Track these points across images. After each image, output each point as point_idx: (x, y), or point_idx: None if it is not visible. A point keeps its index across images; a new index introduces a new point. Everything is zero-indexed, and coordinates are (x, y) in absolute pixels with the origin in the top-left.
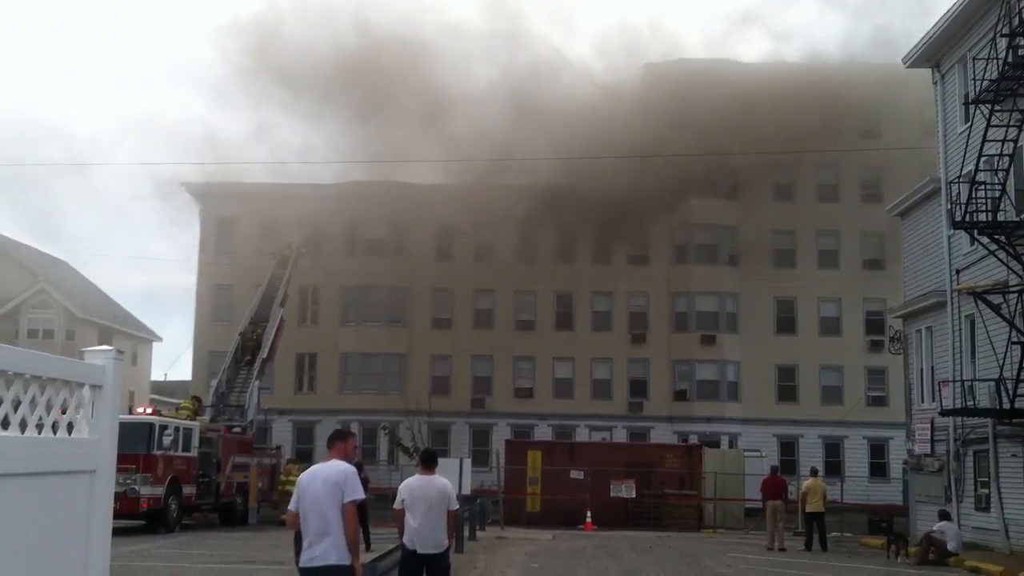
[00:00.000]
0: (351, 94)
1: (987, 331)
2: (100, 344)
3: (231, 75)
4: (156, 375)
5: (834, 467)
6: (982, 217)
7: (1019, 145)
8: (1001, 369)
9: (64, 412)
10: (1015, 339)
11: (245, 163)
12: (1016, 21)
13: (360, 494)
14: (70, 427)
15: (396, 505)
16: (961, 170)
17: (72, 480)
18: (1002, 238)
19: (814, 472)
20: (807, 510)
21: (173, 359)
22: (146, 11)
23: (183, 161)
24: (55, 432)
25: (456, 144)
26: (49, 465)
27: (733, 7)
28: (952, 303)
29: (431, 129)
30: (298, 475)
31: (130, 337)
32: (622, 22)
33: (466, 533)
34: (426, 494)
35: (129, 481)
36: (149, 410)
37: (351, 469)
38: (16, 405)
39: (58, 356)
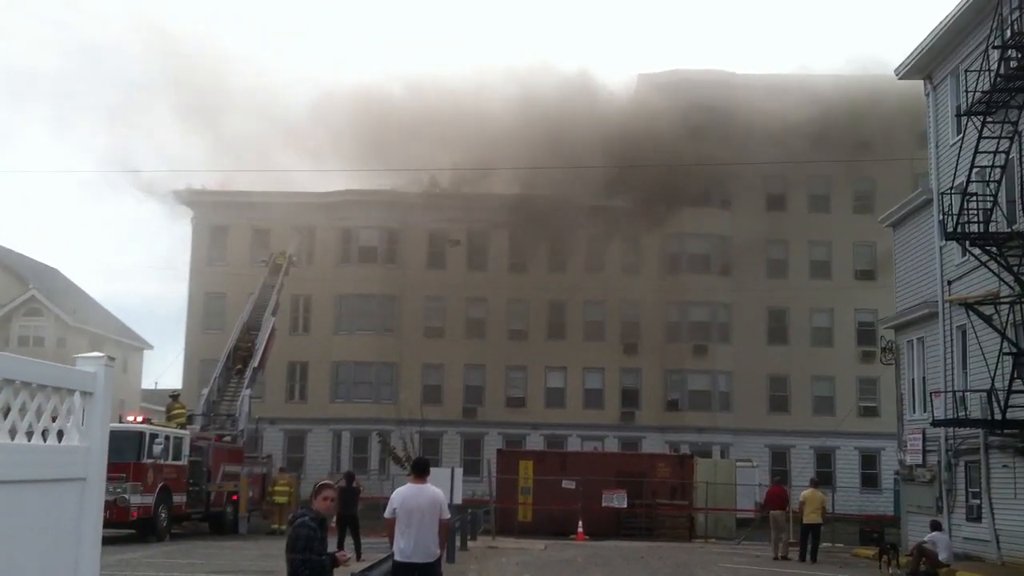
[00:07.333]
0: (346, 111)
1: (979, 342)
2: (91, 352)
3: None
4: (147, 383)
5: (825, 477)
6: (974, 228)
7: (1010, 157)
8: (992, 380)
9: (54, 419)
10: (1006, 350)
11: (237, 171)
12: (1008, 33)
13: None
14: (60, 434)
15: (387, 514)
16: (953, 181)
17: (62, 488)
18: (993, 249)
19: (813, 483)
20: (803, 521)
21: (164, 367)
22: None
23: (175, 169)
24: (45, 439)
25: (450, 153)
26: (39, 473)
27: (727, 18)
28: (944, 314)
29: (424, 138)
30: (287, 484)
31: (121, 345)
32: (617, 31)
33: (457, 543)
34: (418, 503)
35: (119, 490)
36: (140, 418)
37: None
38: (6, 412)
39: (49, 362)
